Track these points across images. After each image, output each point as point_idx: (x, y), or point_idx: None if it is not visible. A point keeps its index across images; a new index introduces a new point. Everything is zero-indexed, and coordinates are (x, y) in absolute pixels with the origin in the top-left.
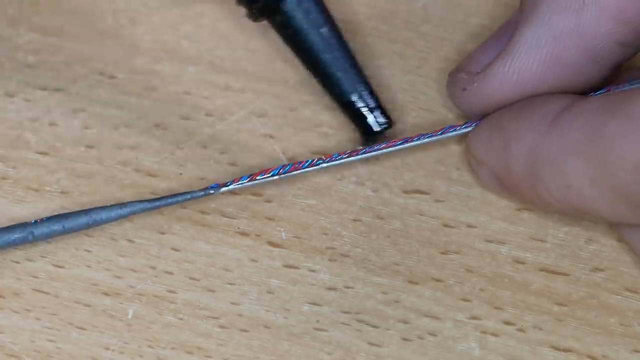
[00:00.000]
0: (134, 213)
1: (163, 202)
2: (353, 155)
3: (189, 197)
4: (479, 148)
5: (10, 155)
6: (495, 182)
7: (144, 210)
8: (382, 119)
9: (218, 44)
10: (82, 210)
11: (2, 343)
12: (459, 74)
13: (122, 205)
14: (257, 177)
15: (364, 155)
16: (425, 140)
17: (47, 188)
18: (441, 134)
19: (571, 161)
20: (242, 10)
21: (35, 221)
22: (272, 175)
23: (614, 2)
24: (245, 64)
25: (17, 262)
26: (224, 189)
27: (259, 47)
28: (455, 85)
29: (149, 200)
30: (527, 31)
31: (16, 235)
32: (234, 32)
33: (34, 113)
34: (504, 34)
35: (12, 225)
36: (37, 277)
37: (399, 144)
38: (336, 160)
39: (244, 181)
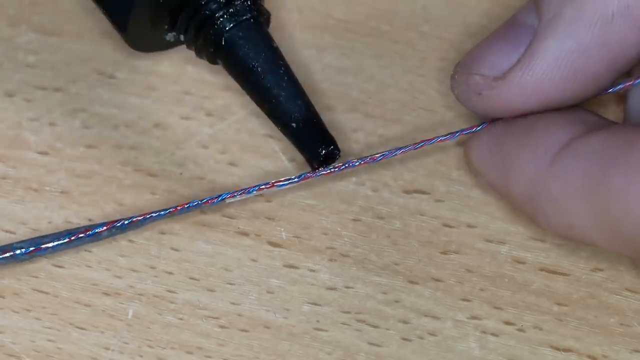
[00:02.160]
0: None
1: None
2: (353, 165)
3: (196, 203)
4: (479, 161)
5: (10, 155)
6: (493, 191)
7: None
8: (327, 146)
9: None
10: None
11: (2, 343)
12: (473, 77)
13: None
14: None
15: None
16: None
17: (47, 188)
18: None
19: (573, 204)
20: None
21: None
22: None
23: None
24: None
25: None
26: (229, 200)
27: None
28: (469, 88)
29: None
30: (551, 41)
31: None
32: None
33: (34, 113)
34: (517, 37)
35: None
36: (37, 277)
37: (393, 153)
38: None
39: (253, 192)
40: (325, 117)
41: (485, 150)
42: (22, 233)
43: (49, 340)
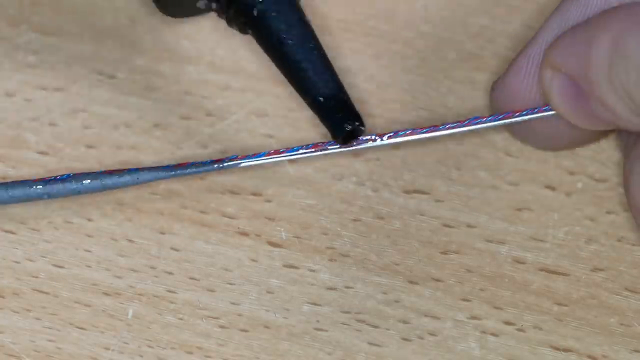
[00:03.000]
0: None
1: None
2: (383, 140)
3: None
4: (559, 52)
5: (10, 155)
6: (569, 95)
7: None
8: (352, 120)
9: (218, 44)
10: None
11: (2, 343)
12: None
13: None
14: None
15: (402, 139)
16: (451, 131)
17: None
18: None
19: None
20: None
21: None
22: (294, 153)
23: None
24: (245, 64)
25: (17, 262)
26: (244, 163)
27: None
28: (492, 86)
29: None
30: (546, 22)
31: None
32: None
33: (34, 113)
34: None
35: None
36: (37, 277)
37: (424, 131)
38: (362, 144)
39: (261, 158)
40: None
41: (567, 40)
42: (22, 233)
43: (49, 340)
